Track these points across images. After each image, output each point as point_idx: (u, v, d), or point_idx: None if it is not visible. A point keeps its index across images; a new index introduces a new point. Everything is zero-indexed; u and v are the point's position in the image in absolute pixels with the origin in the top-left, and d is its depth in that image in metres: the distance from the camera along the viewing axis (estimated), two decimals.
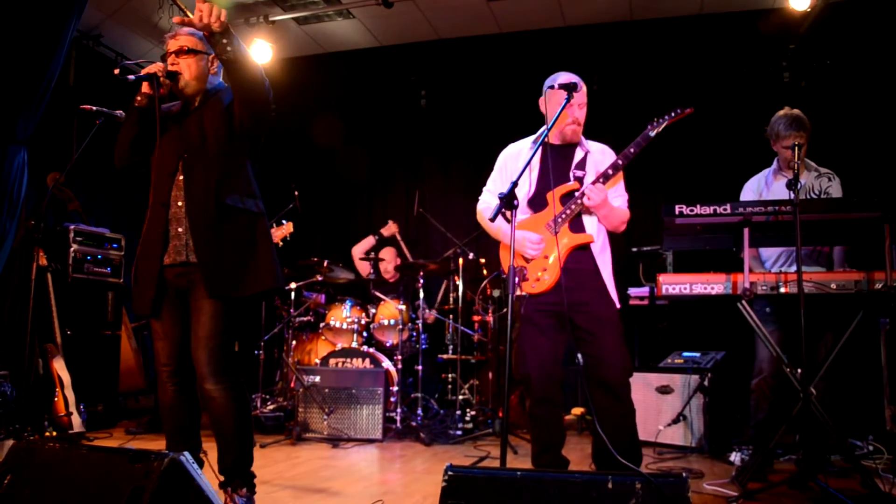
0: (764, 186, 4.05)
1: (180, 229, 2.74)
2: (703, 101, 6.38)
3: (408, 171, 7.70)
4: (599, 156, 3.24)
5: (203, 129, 2.77)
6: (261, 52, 6.62)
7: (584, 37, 6.67)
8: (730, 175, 5.99)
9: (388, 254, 6.61)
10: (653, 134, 3.12)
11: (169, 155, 2.78)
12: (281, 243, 4.59)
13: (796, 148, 3.36)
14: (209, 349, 2.68)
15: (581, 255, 3.13)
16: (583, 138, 3.27)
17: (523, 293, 3.13)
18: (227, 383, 2.71)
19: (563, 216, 3.10)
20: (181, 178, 2.75)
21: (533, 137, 3.31)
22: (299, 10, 6.56)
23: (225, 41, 2.57)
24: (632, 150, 3.10)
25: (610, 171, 3.09)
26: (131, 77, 2.69)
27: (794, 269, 3.85)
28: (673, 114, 3.14)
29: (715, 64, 6.34)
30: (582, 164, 3.21)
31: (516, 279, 3.02)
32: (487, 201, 3.39)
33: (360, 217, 7.85)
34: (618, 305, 3.13)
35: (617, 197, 3.21)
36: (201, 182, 2.73)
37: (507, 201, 2.58)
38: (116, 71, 2.68)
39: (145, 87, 2.72)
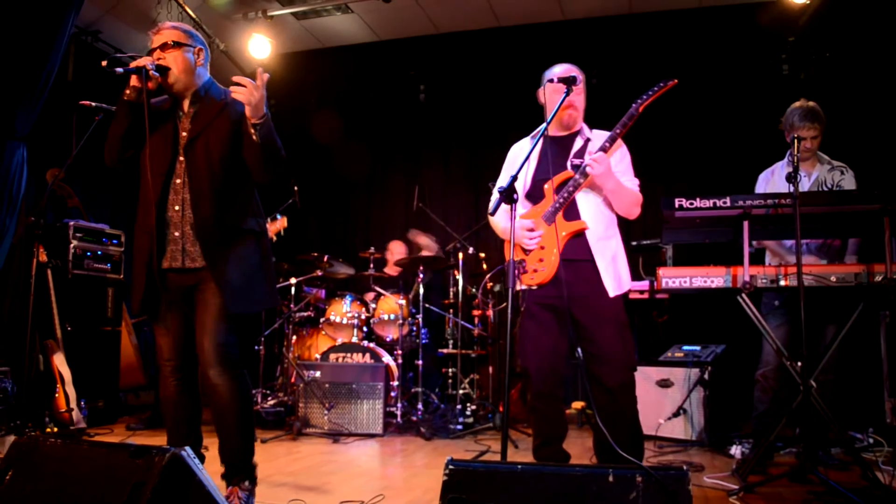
0: (779, 179, 4.04)
1: (177, 234, 2.74)
2: (702, 94, 6.38)
3: (407, 165, 7.70)
4: (600, 142, 3.10)
5: (210, 152, 2.75)
6: (259, 47, 6.62)
7: (582, 30, 6.67)
8: (729, 168, 6.02)
9: (396, 247, 6.61)
10: (639, 111, 3.02)
11: (160, 154, 2.76)
12: (275, 238, 4.60)
13: (795, 141, 3.35)
14: (214, 340, 2.69)
15: (578, 245, 3.02)
16: (585, 126, 3.21)
17: (523, 286, 3.05)
18: (230, 374, 2.72)
19: (557, 205, 3.02)
20: (178, 181, 2.74)
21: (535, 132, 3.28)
22: (298, 4, 6.56)
23: (260, 128, 2.66)
24: (617, 130, 3.01)
25: (607, 144, 3.00)
26: (119, 70, 2.67)
27: (809, 259, 3.85)
28: (656, 88, 3.04)
29: (714, 57, 6.33)
30: (581, 153, 3.12)
31: (516, 272, 3.01)
32: (496, 197, 3.33)
33: (360, 212, 7.85)
34: (611, 294, 2.98)
35: (627, 182, 3.12)
36: (210, 205, 2.72)
37: (507, 195, 2.57)
38: (104, 63, 2.67)
39: (134, 81, 2.69)
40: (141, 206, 2.80)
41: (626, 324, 3.03)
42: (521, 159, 2.86)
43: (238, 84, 2.60)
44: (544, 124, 2.96)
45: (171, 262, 2.74)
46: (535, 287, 3.04)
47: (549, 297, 3.01)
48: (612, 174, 3.01)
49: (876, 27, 5.77)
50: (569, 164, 3.11)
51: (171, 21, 2.97)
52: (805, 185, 3.95)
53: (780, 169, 4.07)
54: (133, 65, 2.68)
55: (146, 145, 2.75)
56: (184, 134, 2.78)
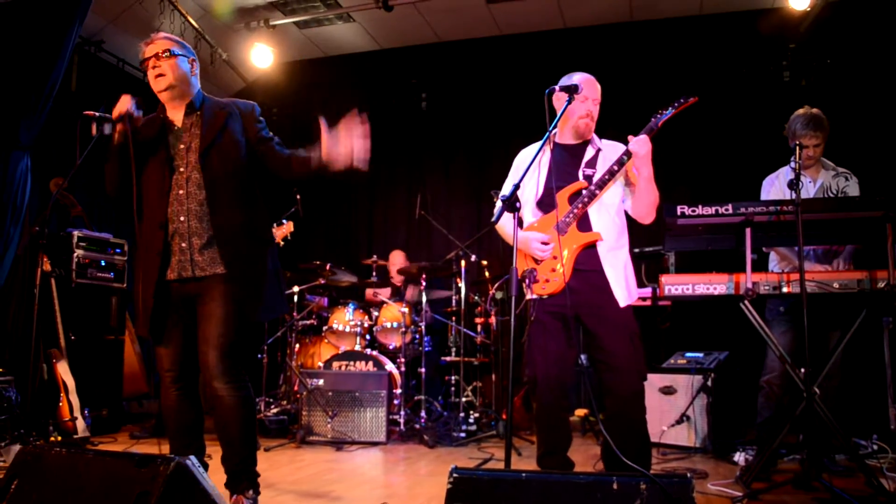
0: (782, 183, 4.05)
1: (184, 244, 2.75)
2: (703, 101, 6.33)
3: (409, 173, 7.71)
4: (612, 152, 3.12)
5: (225, 159, 2.79)
6: (262, 56, 6.65)
7: (584, 38, 6.70)
8: (731, 175, 6.03)
9: (397, 257, 6.62)
10: (658, 126, 3.06)
11: (158, 175, 2.78)
12: (282, 243, 4.61)
13: (798, 148, 3.35)
14: (219, 349, 2.69)
15: (589, 255, 3.03)
16: (595, 136, 3.21)
17: (533, 295, 3.03)
18: (235, 383, 2.73)
19: (571, 215, 3.03)
20: (181, 192, 2.76)
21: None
22: (300, 14, 6.59)
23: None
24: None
25: (615, 168, 3.02)
26: (106, 132, 2.68)
27: (816, 266, 3.85)
28: (677, 104, 3.09)
29: (715, 64, 6.35)
30: (593, 163, 3.13)
31: (527, 282, 3.01)
32: (499, 206, 3.34)
33: (362, 220, 7.86)
34: (622, 304, 2.98)
35: None
36: (232, 212, 2.77)
37: (510, 204, 2.58)
38: (94, 129, 2.69)
39: (120, 126, 2.71)
40: (144, 227, 2.81)
41: (637, 333, 3.02)
42: (526, 166, 2.86)
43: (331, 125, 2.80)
44: (550, 128, 2.95)
45: (179, 272, 2.75)
46: (545, 297, 3.03)
47: (559, 306, 2.99)
48: (650, 160, 3.01)
49: (876, 34, 5.78)
50: (580, 174, 3.12)
51: (175, 30, 3.00)
52: (810, 191, 3.96)
53: (786, 174, 4.06)
54: (116, 114, 2.70)
55: (142, 173, 2.79)
56: (181, 146, 2.80)
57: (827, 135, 3.86)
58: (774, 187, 4.07)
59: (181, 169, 2.78)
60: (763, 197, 4.08)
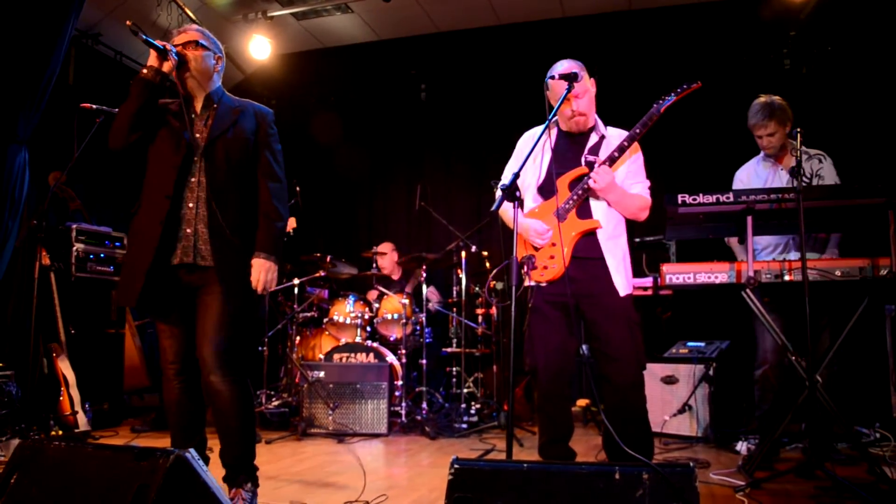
0: (754, 175, 4.06)
1: (189, 231, 2.73)
2: (703, 89, 6.32)
3: (409, 164, 7.69)
4: (616, 140, 3.09)
5: (230, 156, 2.79)
6: (260, 48, 6.62)
7: (583, 27, 6.66)
8: (732, 163, 5.96)
9: (387, 248, 6.60)
10: (660, 111, 3.03)
11: (171, 147, 2.76)
12: (284, 238, 4.61)
13: (799, 135, 3.33)
14: (216, 343, 2.68)
15: (589, 243, 3.01)
16: (600, 123, 3.19)
17: (532, 283, 3.02)
18: (232, 377, 2.72)
19: (570, 202, 3.01)
20: (193, 179, 2.74)
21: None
22: (297, 5, 6.56)
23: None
24: (637, 130, 3.01)
25: (616, 154, 3.00)
26: (143, 36, 2.66)
27: (792, 256, 3.84)
28: (679, 90, 3.06)
29: (715, 52, 6.31)
30: (596, 149, 3.10)
31: (525, 268, 3.00)
32: (499, 195, 3.31)
33: (362, 211, 7.85)
34: (622, 293, 2.97)
35: (636, 183, 3.11)
36: (231, 207, 2.76)
37: (510, 193, 2.56)
38: (129, 22, 2.67)
39: (153, 60, 2.71)
40: (146, 197, 2.78)
41: (637, 322, 3.01)
42: (527, 152, 2.84)
43: None
44: (550, 117, 2.92)
45: (182, 258, 2.72)
46: (544, 284, 3.02)
47: (559, 294, 2.97)
48: (615, 187, 3.00)
49: (877, 20, 5.75)
50: (583, 160, 3.10)
51: (172, 22, 2.97)
52: (783, 178, 3.93)
53: (758, 164, 4.07)
54: (159, 43, 2.70)
55: (155, 136, 2.77)
56: (197, 135, 2.79)
57: (787, 121, 3.84)
58: (742, 182, 4.07)
59: (194, 158, 2.76)
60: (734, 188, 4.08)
